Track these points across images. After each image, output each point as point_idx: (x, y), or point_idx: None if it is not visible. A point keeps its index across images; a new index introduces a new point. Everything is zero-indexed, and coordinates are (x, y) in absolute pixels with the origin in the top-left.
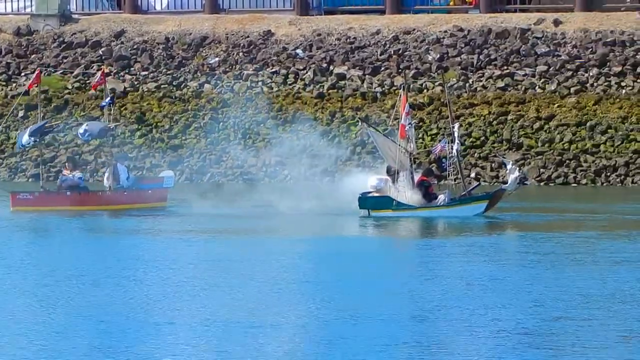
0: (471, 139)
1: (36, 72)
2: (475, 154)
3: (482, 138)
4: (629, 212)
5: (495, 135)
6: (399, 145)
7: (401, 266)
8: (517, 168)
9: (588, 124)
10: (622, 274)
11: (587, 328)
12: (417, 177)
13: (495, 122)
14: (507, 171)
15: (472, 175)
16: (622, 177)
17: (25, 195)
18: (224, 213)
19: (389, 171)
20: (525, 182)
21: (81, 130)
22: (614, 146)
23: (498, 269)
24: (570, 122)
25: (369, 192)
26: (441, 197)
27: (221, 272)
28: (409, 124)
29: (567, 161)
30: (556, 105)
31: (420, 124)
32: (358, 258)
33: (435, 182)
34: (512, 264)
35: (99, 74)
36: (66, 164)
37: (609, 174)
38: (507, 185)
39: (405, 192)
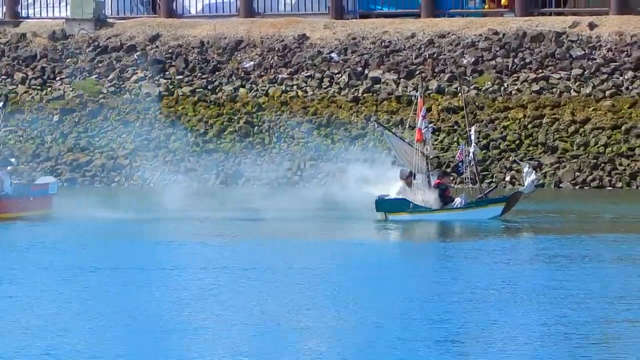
0: (506, 143)
1: None
2: (511, 158)
3: (517, 141)
4: None
5: (530, 138)
6: (416, 148)
7: (420, 270)
8: (534, 171)
9: (623, 127)
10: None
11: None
12: (434, 180)
13: (530, 126)
14: (524, 174)
15: (507, 178)
16: None
17: None
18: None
19: (402, 175)
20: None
21: None
22: None
23: (516, 272)
24: (605, 126)
25: (386, 195)
26: (458, 200)
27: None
28: (425, 127)
29: (602, 164)
30: (591, 108)
31: (455, 127)
32: (377, 262)
33: (452, 185)
34: (532, 266)
35: None
36: None
37: None
38: (523, 188)
39: (423, 195)
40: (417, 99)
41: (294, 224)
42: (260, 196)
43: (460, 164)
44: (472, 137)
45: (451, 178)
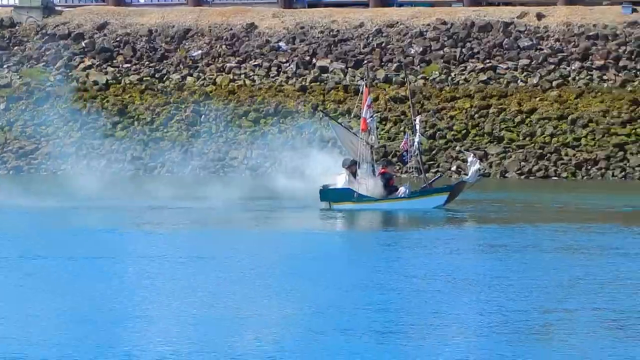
0: (453, 132)
1: None
2: (457, 147)
3: (464, 131)
4: (605, 205)
5: (477, 128)
6: (360, 138)
7: (362, 260)
8: (478, 160)
9: (569, 117)
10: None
11: (553, 317)
12: (378, 169)
13: (477, 116)
14: (468, 164)
15: (453, 168)
16: (603, 170)
17: None
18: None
19: (344, 164)
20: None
21: None
22: (595, 140)
23: (458, 261)
24: (551, 116)
25: (331, 185)
26: (402, 190)
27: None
28: (370, 116)
29: (548, 154)
30: (538, 98)
31: (402, 116)
32: (319, 252)
33: (397, 174)
34: (474, 255)
35: None
36: None
37: (589, 167)
38: (467, 177)
39: (367, 185)
40: (362, 88)
41: (241, 213)
42: (206, 184)
43: (405, 153)
44: (417, 126)
45: (396, 167)
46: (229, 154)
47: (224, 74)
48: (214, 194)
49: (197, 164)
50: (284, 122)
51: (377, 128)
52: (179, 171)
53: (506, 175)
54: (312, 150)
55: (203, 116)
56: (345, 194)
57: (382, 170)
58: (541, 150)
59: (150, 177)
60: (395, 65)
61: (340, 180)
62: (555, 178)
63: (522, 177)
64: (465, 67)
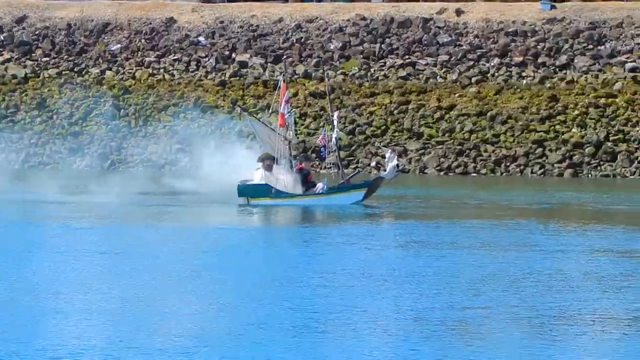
0: (372, 128)
1: None
2: (376, 143)
3: (383, 127)
4: (523, 202)
5: (396, 124)
6: (278, 133)
7: (278, 255)
8: (396, 156)
9: (488, 114)
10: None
11: (466, 314)
12: (296, 165)
13: (396, 112)
14: (386, 160)
15: (373, 164)
16: (522, 167)
17: None
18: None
19: (260, 159)
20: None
21: None
22: (514, 136)
23: (374, 257)
24: (470, 112)
25: (249, 181)
26: (320, 185)
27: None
28: (288, 112)
29: (467, 151)
30: (457, 94)
31: (322, 112)
32: (236, 247)
33: (315, 170)
34: (389, 252)
35: None
36: None
37: (508, 164)
38: (385, 173)
39: (285, 180)
40: (280, 83)
41: (160, 208)
42: (125, 179)
43: (322, 149)
44: (335, 122)
45: (317, 163)
46: (148, 148)
47: (143, 68)
48: (133, 189)
49: (116, 158)
50: (203, 117)
51: (296, 123)
52: (97, 165)
53: (425, 171)
54: (231, 146)
55: (122, 110)
56: (263, 190)
57: (300, 166)
58: (460, 147)
59: (68, 171)
60: (314, 60)
61: (257, 175)
62: (474, 174)
63: (442, 173)
64: (385, 62)
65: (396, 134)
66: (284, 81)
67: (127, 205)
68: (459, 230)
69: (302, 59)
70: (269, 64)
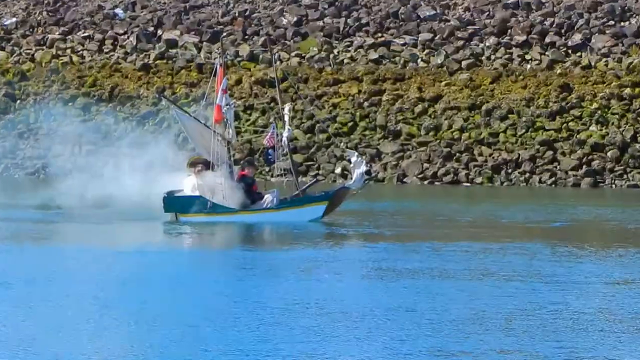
0: (336, 125)
1: None
2: (342, 144)
3: (351, 123)
4: (529, 219)
5: (367, 120)
6: (214, 131)
7: (211, 285)
8: (364, 161)
9: (484, 107)
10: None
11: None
12: (237, 171)
13: (366, 104)
14: (352, 165)
15: (338, 171)
16: (527, 175)
17: None
18: None
19: (192, 164)
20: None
21: None
22: (517, 136)
23: (334, 288)
24: (461, 105)
25: (178, 191)
26: (268, 198)
27: None
28: (227, 104)
29: (458, 154)
30: (443, 83)
31: (272, 104)
32: (159, 275)
33: (260, 178)
34: (355, 281)
35: None
36: None
37: (510, 170)
38: (351, 182)
39: (223, 191)
40: (216, 67)
41: (65, 225)
42: (24, 189)
43: (270, 150)
44: (287, 117)
45: (265, 169)
46: (51, 150)
47: (44, 48)
48: (30, 201)
49: (10, 162)
50: (121, 110)
51: (239, 119)
52: None
53: (404, 180)
54: (157, 146)
55: (19, 102)
56: (196, 203)
57: (242, 172)
58: (449, 149)
59: None
60: (262, 39)
61: (188, 184)
62: (466, 184)
63: (425, 182)
64: (351, 42)
65: (367, 132)
66: (220, 65)
67: (17, 222)
68: (445, 256)
69: (246, 37)
70: (204, 43)
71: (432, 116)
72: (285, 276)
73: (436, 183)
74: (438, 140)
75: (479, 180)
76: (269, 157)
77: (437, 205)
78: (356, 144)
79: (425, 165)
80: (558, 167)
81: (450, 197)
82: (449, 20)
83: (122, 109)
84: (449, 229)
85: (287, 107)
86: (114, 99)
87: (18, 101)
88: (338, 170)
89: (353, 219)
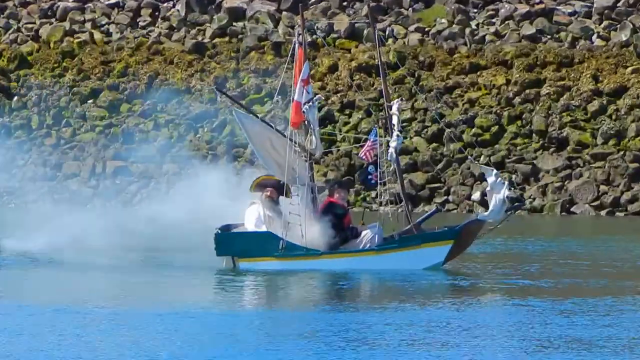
0: (474, 130)
1: None
2: (481, 158)
3: (495, 128)
4: None
5: (519, 123)
6: (290, 139)
7: None
8: (505, 183)
9: None
10: None
11: None
12: (323, 197)
13: (518, 100)
14: (488, 188)
15: (476, 197)
16: None
17: None
18: None
19: (259, 187)
20: (522, 206)
21: None
22: None
23: None
24: None
25: (236, 226)
26: (367, 235)
27: None
28: (309, 101)
29: None
30: (630, 69)
31: (380, 100)
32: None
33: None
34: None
35: None
36: None
37: None
38: (487, 213)
39: (302, 225)
40: (294, 47)
41: (79, 277)
42: (28, 218)
43: (370, 168)
44: (395, 118)
45: (371, 195)
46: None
47: (53, 21)
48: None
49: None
50: (164, 110)
51: (327, 122)
52: None
53: (572, 209)
54: (210, 163)
55: (16, 98)
56: (263, 243)
57: (330, 199)
58: (637, 164)
59: None
60: (366, 7)
61: (251, 216)
62: None
63: (602, 212)
64: (497, 10)
65: (518, 140)
66: (300, 44)
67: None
68: (629, 320)
69: (345, 4)
70: (283, 13)
71: (613, 117)
72: (398, 350)
73: (618, 214)
74: (621, 152)
75: None
76: (369, 177)
77: (618, 246)
78: (502, 157)
79: (603, 188)
80: None
81: (638, 233)
82: None
83: (164, 108)
84: (636, 280)
85: (395, 104)
86: (152, 93)
87: (15, 98)
88: (476, 196)
89: (492, 265)
